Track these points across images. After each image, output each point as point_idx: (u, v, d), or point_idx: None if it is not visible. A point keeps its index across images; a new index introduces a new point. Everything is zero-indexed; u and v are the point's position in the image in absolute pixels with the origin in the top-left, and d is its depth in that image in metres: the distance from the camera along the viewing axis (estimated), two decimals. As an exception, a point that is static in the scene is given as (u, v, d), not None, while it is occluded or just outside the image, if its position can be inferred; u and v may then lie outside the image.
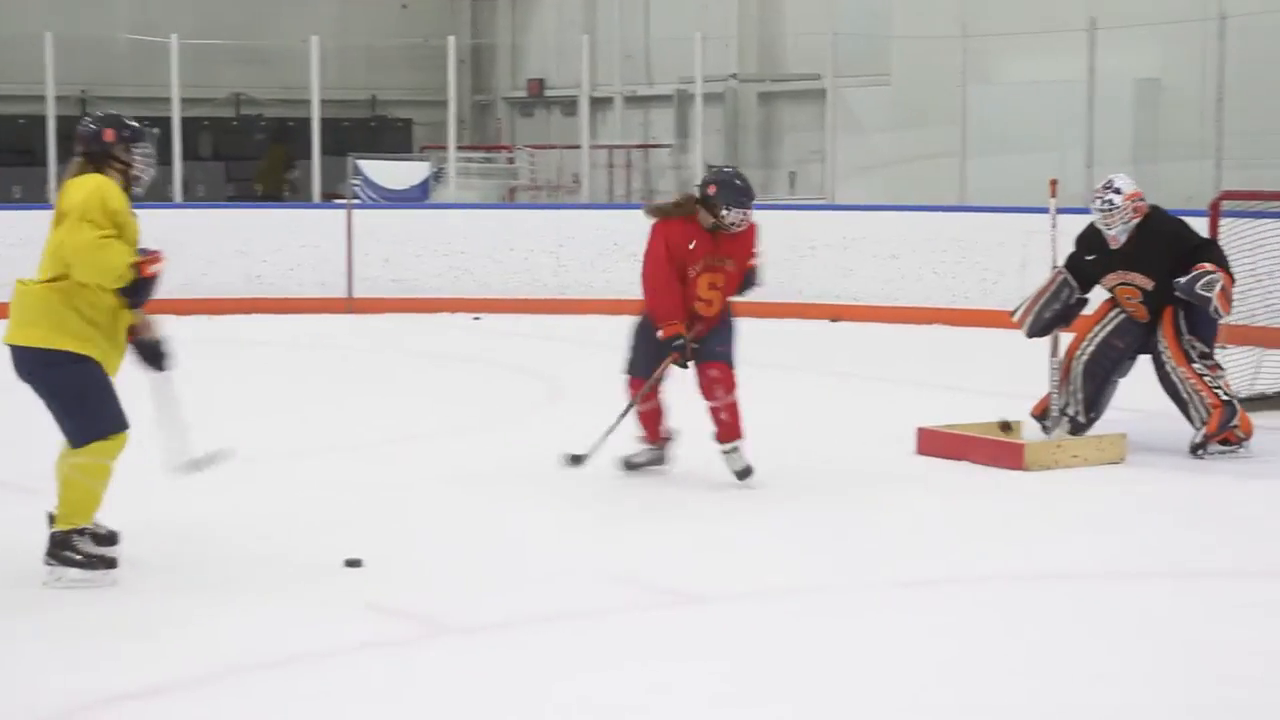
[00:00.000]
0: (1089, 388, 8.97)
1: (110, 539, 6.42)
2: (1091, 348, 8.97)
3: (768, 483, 8.02)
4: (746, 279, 8.18)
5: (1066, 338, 9.04)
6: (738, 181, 8.11)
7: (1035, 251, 14.60)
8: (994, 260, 15.03)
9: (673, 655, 5.40)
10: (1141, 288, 8.80)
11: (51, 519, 6.26)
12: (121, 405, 6.24)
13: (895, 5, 19.54)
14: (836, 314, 15.67)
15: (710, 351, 8.06)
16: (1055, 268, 8.99)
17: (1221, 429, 8.69)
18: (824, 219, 16.44)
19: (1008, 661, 5.33)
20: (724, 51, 21.41)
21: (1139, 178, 17.22)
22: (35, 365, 6.16)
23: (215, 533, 7.05)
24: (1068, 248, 9.04)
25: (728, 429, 8.03)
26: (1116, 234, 8.76)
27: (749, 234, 8.20)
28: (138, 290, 6.23)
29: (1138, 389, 10.05)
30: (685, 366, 8.06)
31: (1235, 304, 8.86)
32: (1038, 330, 8.99)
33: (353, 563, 6.42)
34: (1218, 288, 8.52)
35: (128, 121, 6.56)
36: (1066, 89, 16.31)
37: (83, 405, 6.16)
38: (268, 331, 14.98)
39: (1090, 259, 8.92)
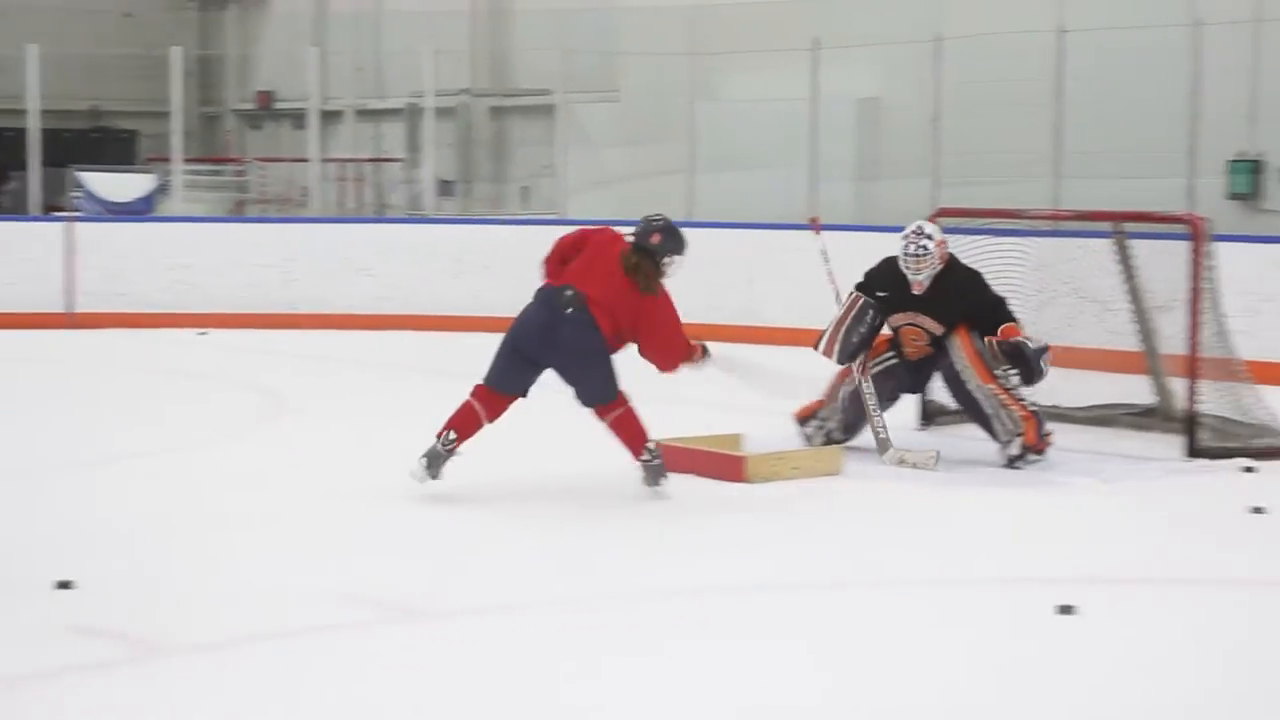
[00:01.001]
0: (851, 413, 9.20)
1: None
2: (861, 382, 9.14)
3: (492, 499, 8.02)
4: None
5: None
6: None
7: (762, 267, 14.93)
8: (721, 275, 15.19)
9: (397, 673, 5.37)
10: (930, 331, 9.03)
11: None
12: None
13: (624, 22, 19.75)
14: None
15: None
16: (851, 293, 9.17)
17: (1038, 439, 8.95)
18: (556, 233, 16.39)
19: (723, 673, 5.41)
20: (456, 66, 21.39)
21: (861, 195, 17.79)
22: None
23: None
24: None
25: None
26: (923, 279, 8.97)
27: None
28: None
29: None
30: None
31: None
32: (847, 356, 9.17)
33: (64, 584, 6.26)
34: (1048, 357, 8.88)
35: None
36: (790, 107, 16.64)
37: None
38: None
39: (882, 295, 9.11)
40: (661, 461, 8.09)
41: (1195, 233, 9.37)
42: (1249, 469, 8.93)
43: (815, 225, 9.26)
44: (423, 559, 6.95)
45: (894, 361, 9.21)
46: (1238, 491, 8.33)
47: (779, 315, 14.77)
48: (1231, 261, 9.89)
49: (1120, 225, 10.11)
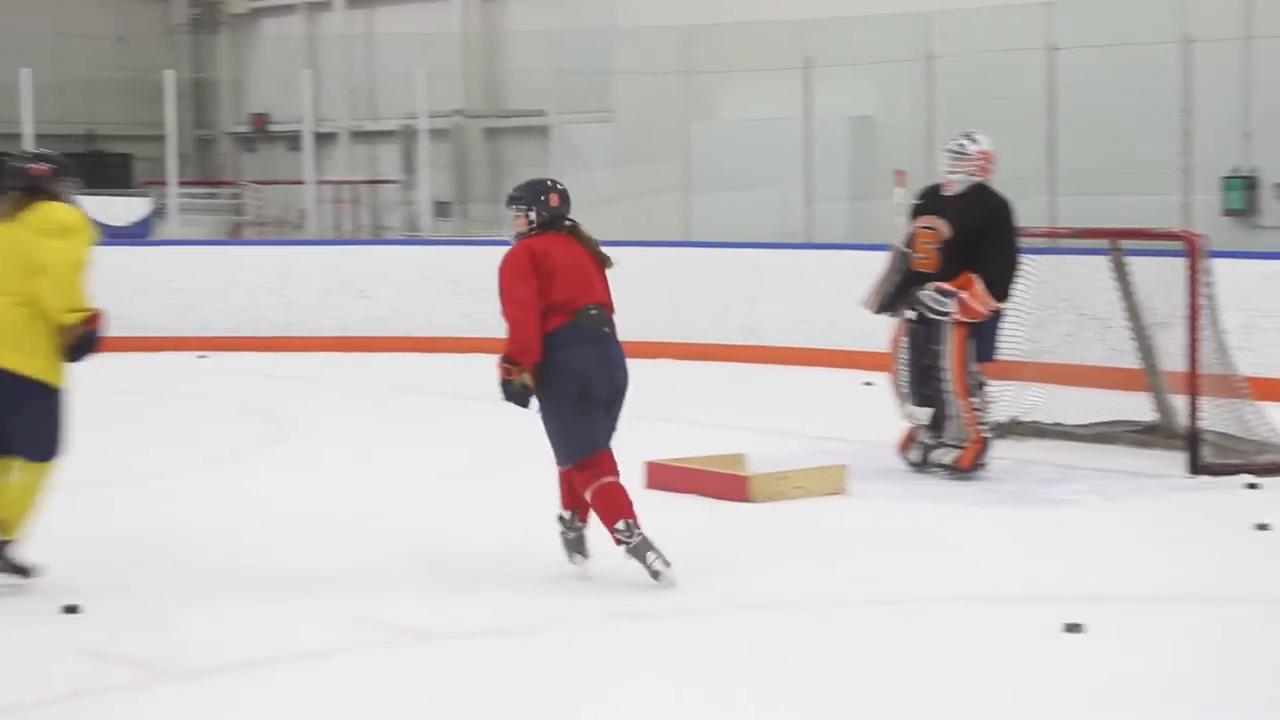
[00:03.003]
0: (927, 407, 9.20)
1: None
2: (906, 376, 9.17)
3: (499, 522, 8.04)
4: None
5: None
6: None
7: (760, 285, 14.95)
8: (720, 294, 15.25)
9: (402, 694, 5.39)
10: (940, 232, 9.03)
11: None
12: None
13: (618, 42, 19.80)
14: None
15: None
16: (893, 247, 9.25)
17: (973, 465, 9.02)
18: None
19: (731, 690, 5.43)
20: (450, 87, 21.46)
21: (855, 213, 17.83)
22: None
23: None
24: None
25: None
26: (955, 180, 9.05)
27: None
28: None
29: (857, 418, 10.35)
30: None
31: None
32: (883, 306, 9.19)
33: (70, 609, 6.27)
34: (948, 310, 8.86)
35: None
36: (785, 126, 16.69)
37: None
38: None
39: (917, 203, 9.22)
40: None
41: (1191, 249, 9.39)
42: (1252, 485, 8.95)
43: (900, 177, 9.39)
44: (432, 580, 6.96)
45: (904, 339, 9.21)
46: (1242, 508, 8.34)
47: (777, 334, 14.80)
48: (1229, 277, 9.92)
49: (1117, 242, 10.14)
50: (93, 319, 6.74)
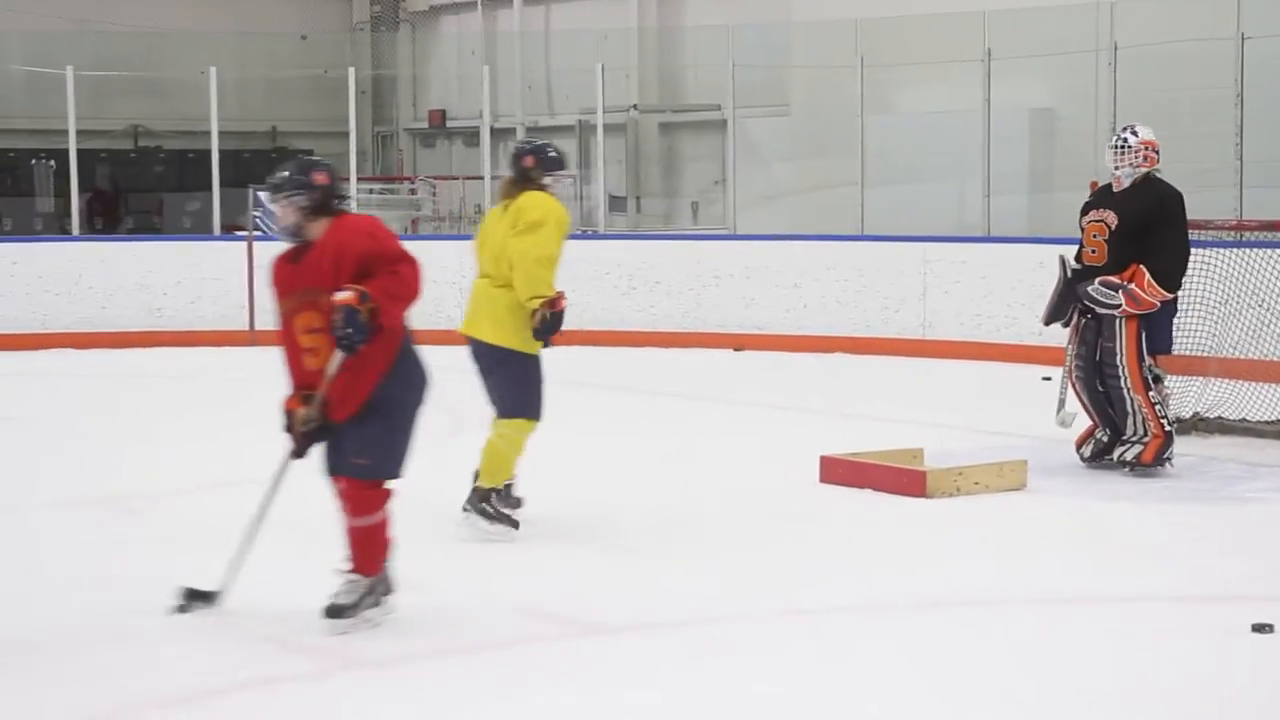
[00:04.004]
0: (1096, 408, 9.07)
1: (517, 503, 7.66)
2: (1078, 373, 9.06)
3: (671, 513, 8.05)
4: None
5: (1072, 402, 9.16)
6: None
7: (935, 279, 14.83)
8: (895, 289, 15.16)
9: (575, 686, 5.41)
10: (1108, 225, 8.91)
11: (475, 475, 7.55)
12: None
13: (794, 36, 19.72)
14: (740, 343, 15.75)
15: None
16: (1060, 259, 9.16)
17: (1156, 460, 8.85)
18: (726, 249, 16.54)
19: (908, 690, 5.38)
20: (625, 82, 21.52)
21: (1034, 207, 17.58)
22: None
23: (113, 565, 6.98)
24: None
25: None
26: (1122, 175, 8.94)
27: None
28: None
29: (1035, 414, 10.20)
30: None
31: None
32: (1053, 316, 9.09)
33: (196, 596, 6.22)
34: (1116, 303, 8.71)
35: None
36: (963, 119, 16.50)
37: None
38: (170, 365, 14.86)
39: (1089, 202, 9.10)
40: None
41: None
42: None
43: (1094, 187, 9.31)
44: (607, 575, 6.98)
45: (1078, 334, 9.07)
46: None
47: (952, 329, 14.67)
48: None
49: (1308, 235, 9.91)
50: (554, 303, 7.37)
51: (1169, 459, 8.90)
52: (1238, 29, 15.04)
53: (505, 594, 6.59)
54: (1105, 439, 9.04)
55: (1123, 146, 8.93)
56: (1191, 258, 10.45)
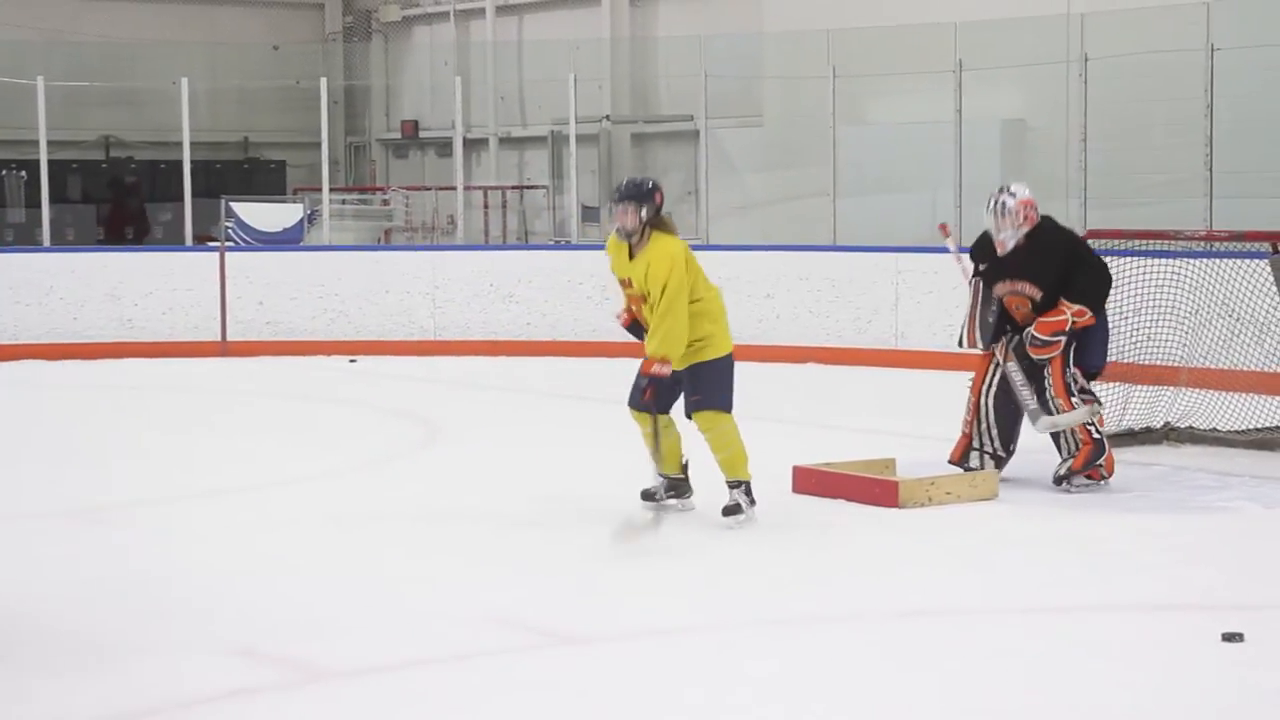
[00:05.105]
0: (1001, 421, 9.05)
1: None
2: (995, 379, 9.05)
3: (644, 524, 8.04)
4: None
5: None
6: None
7: (907, 290, 14.87)
8: (867, 299, 15.19)
9: (550, 697, 5.40)
10: (1030, 297, 8.88)
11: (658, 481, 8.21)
12: None
13: (766, 47, 19.75)
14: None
15: None
16: (971, 280, 9.06)
17: (1085, 466, 8.84)
18: (699, 259, 16.43)
19: (879, 699, 5.38)
20: (597, 93, 21.52)
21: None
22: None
23: (84, 578, 6.95)
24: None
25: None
26: (1005, 239, 8.83)
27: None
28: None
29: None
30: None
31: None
32: (991, 337, 8.96)
33: None
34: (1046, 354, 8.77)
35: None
36: (935, 129, 16.54)
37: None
38: (140, 376, 14.82)
39: (983, 268, 9.01)
40: None
41: (1356, 252, 9.18)
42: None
43: (945, 231, 9.25)
44: (583, 585, 6.97)
45: (1015, 342, 9.00)
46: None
47: (925, 339, 14.70)
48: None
49: (1277, 245, 9.94)
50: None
51: (1100, 466, 8.86)
52: (1207, 40, 15.10)
53: (479, 604, 6.57)
54: (1004, 454, 9.04)
55: (1002, 210, 8.81)
56: (1163, 268, 10.51)
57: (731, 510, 8.03)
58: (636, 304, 8.05)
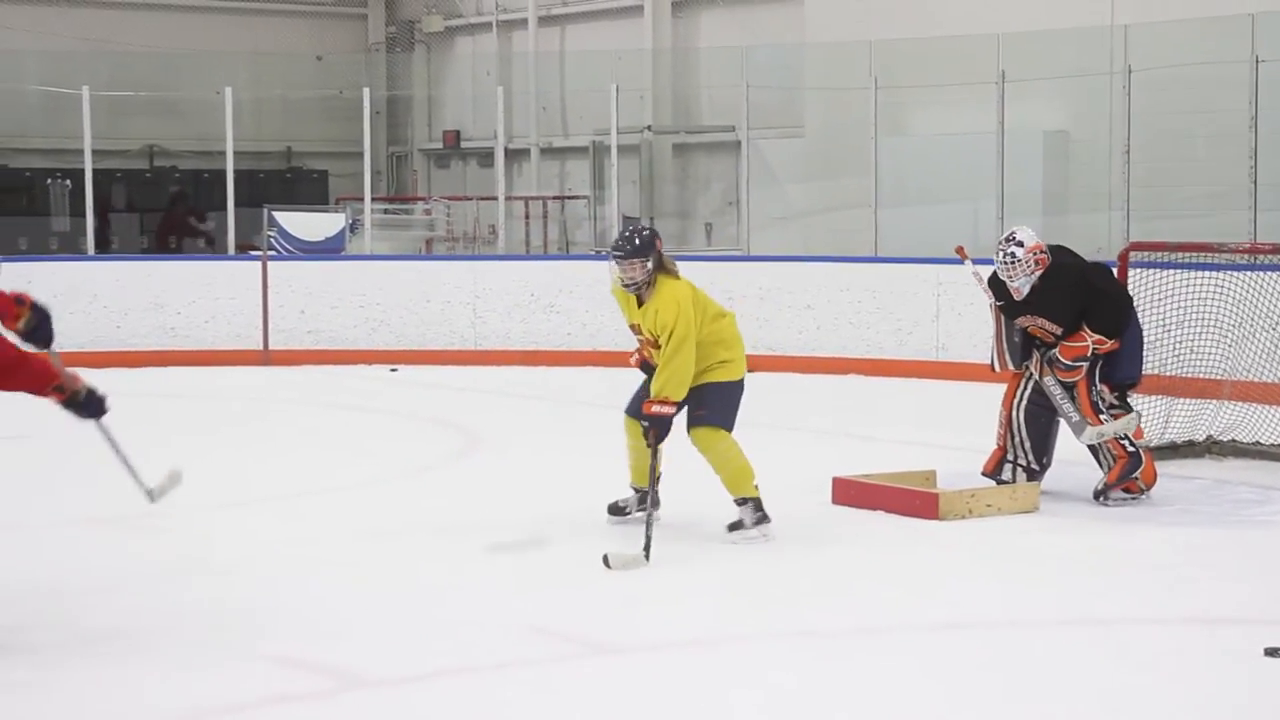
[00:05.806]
0: (1033, 433, 9.01)
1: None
2: (1027, 393, 9.02)
3: (684, 535, 8.03)
4: None
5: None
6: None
7: (948, 301, 14.83)
8: (908, 310, 15.15)
9: (585, 706, 5.40)
10: (1052, 332, 8.87)
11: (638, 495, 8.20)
12: None
13: (808, 58, 19.72)
14: (752, 365, 15.64)
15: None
16: (991, 305, 9.04)
17: (1120, 480, 8.80)
18: (740, 270, 16.52)
19: (916, 712, 5.36)
20: (639, 103, 21.54)
21: (1049, 229, 17.53)
22: None
23: (125, 585, 6.98)
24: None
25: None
26: (1019, 286, 8.79)
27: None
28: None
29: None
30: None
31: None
32: (1020, 357, 8.96)
33: None
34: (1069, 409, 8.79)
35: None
36: (977, 141, 16.49)
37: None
38: (182, 384, 14.89)
39: (1000, 305, 9.01)
40: None
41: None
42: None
43: (961, 253, 9.23)
44: (620, 594, 6.96)
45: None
46: None
47: (966, 351, 14.63)
48: None
49: (1321, 258, 9.89)
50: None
51: (1137, 479, 8.82)
52: (1252, 52, 15.02)
53: (515, 613, 6.58)
54: (1036, 467, 9.01)
55: (1011, 260, 8.75)
56: (1206, 281, 10.45)
57: (736, 526, 7.98)
58: (648, 348, 8.07)
